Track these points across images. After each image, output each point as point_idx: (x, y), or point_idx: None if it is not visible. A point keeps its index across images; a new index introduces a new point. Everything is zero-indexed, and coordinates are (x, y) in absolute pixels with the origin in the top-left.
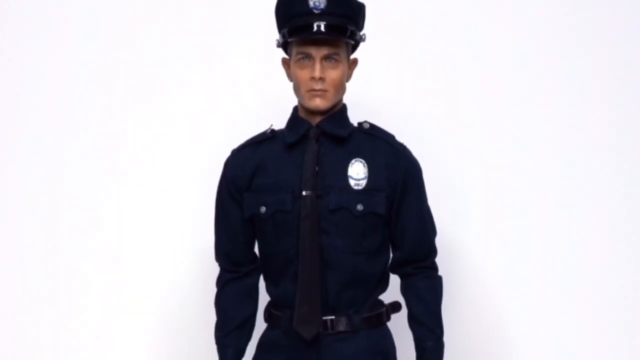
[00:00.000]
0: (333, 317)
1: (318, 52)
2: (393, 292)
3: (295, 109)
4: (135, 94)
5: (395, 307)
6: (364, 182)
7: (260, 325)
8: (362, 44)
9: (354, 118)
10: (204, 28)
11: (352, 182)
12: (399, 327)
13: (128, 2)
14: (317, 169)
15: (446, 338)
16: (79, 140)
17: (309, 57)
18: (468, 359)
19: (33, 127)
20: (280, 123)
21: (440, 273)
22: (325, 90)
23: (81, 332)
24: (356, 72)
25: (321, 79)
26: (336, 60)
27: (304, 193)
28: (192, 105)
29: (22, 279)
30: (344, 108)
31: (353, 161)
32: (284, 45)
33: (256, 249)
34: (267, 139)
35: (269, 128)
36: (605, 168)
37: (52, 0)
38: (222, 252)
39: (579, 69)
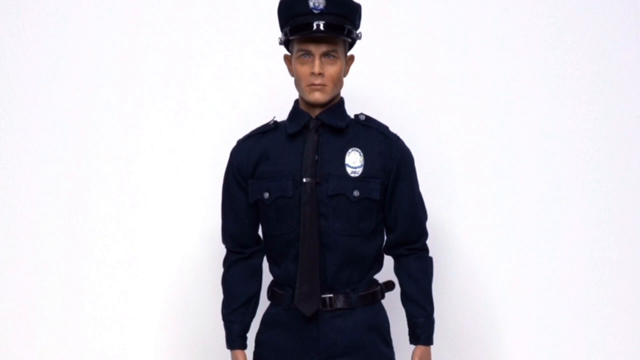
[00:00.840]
0: (331, 295)
1: (317, 49)
2: (387, 272)
3: (296, 102)
4: (152, 89)
5: (389, 285)
6: (360, 170)
7: (263, 303)
8: (358, 42)
9: (351, 110)
10: (214, 29)
11: (349, 170)
12: (393, 304)
13: (145, 2)
14: (316, 157)
15: (436, 315)
16: (99, 127)
17: (309, 53)
18: (457, 334)
19: (51, 112)
20: (282, 115)
21: (430, 254)
22: (324, 85)
23: (96, 309)
24: (353, 67)
25: (320, 74)
26: (334, 56)
27: (304, 180)
28: (202, 99)
29: (42, 254)
30: (341, 101)
31: (350, 150)
32: (286, 42)
33: (260, 232)
34: (270, 129)
35: (272, 120)
36: (591, 150)
37: (68, 2)
38: (229, 234)
39: (563, 61)
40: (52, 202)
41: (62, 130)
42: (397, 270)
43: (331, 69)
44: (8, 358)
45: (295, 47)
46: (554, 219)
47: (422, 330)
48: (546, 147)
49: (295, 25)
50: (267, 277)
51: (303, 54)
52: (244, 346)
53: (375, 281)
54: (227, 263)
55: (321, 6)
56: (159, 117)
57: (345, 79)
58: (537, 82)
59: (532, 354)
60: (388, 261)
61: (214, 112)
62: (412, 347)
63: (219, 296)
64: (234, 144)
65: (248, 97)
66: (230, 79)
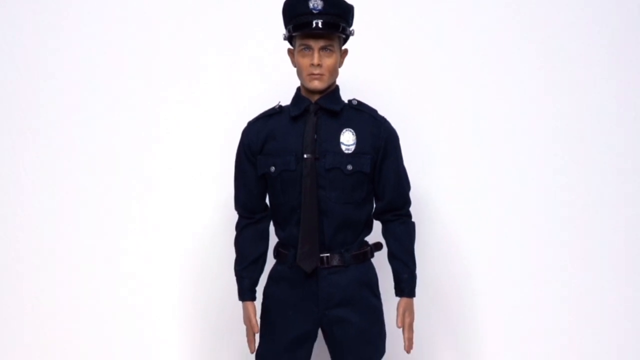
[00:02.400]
0: (328, 254)
1: (316, 44)
2: (376, 234)
3: (298, 89)
4: (177, 78)
5: (377, 246)
6: (353, 147)
7: (270, 261)
8: (351, 38)
9: (345, 96)
10: (229, 27)
11: (343, 147)
12: (381, 263)
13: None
14: (315, 136)
15: (418, 271)
16: (123, 111)
17: (309, 47)
18: (436, 288)
19: (75, 101)
20: (286, 100)
21: (413, 220)
22: (322, 74)
23: (122, 270)
24: (346, 59)
25: (319, 65)
26: (331, 50)
27: (305, 156)
28: (218, 86)
29: (76, 220)
30: (337, 88)
31: (344, 131)
32: (289, 38)
33: (267, 201)
34: (276, 113)
35: (277, 104)
36: (564, 125)
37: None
38: (240, 203)
39: (539, 45)
40: (81, 175)
41: (89, 107)
42: (385, 233)
43: (328, 61)
44: (46, 316)
45: (297, 42)
46: (520, 188)
47: (406, 284)
48: (519, 124)
49: (297, 23)
50: (273, 239)
51: (304, 48)
52: (253, 298)
53: (366, 242)
54: (239, 227)
55: (320, 7)
56: (181, 102)
57: (340, 69)
58: (510, 66)
59: (501, 305)
60: (377, 225)
61: (228, 97)
62: (397, 299)
63: (232, 255)
64: (244, 125)
65: (257, 85)
66: (241, 69)
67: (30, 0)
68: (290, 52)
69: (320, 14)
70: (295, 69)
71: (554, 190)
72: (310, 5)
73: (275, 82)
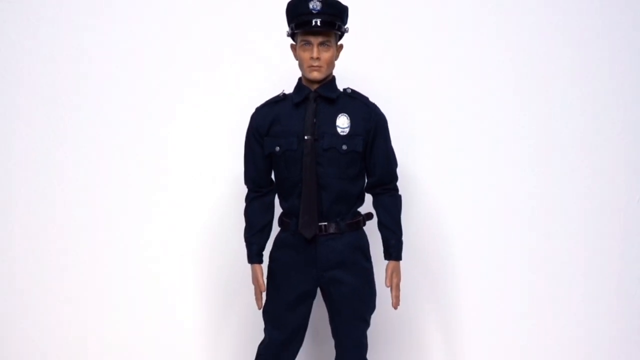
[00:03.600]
0: (326, 223)
1: (315, 40)
2: (367, 206)
3: (300, 79)
4: (194, 69)
5: (368, 216)
6: (347, 130)
7: (275, 230)
8: (346, 35)
9: (340, 85)
10: (239, 24)
11: (339, 130)
12: (372, 230)
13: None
14: (314, 120)
15: (404, 238)
16: (148, 99)
17: (309, 43)
18: (419, 252)
19: (102, 84)
20: (289, 89)
21: (400, 193)
22: (320, 66)
23: (148, 237)
24: (342, 53)
25: (318, 59)
26: (328, 45)
27: (305, 137)
28: (230, 76)
29: (107, 198)
30: (333, 78)
31: (340, 115)
32: (292, 35)
33: (272, 176)
34: (280, 100)
35: (282, 92)
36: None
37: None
38: (249, 178)
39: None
40: (113, 156)
41: (115, 92)
42: (375, 204)
43: (325, 55)
44: (72, 286)
45: (299, 38)
46: (496, 163)
47: (393, 249)
48: (497, 108)
49: (299, 22)
50: (277, 210)
51: (305, 43)
52: (260, 261)
53: (359, 213)
54: (248, 199)
55: (318, 7)
56: (198, 91)
57: (336, 62)
58: (489, 51)
59: (476, 265)
60: (368, 198)
61: (238, 86)
62: (386, 262)
63: (242, 224)
64: (253, 110)
65: (264, 75)
66: (250, 61)
67: (57, 6)
68: (292, 47)
69: (319, 14)
70: (297, 62)
71: (528, 164)
72: (310, 6)
73: (280, 73)
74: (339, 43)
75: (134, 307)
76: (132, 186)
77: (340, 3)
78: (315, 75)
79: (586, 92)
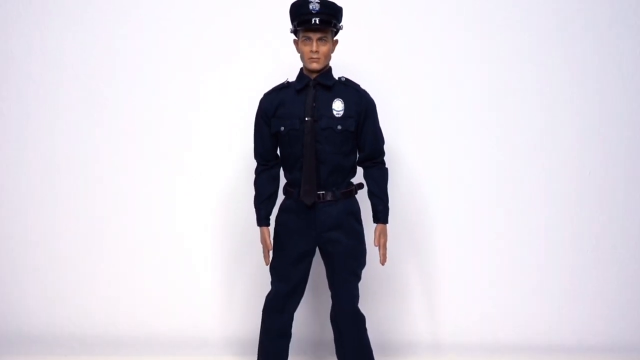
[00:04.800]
0: (323, 192)
1: (315, 36)
2: (359, 177)
3: (301, 69)
4: (213, 61)
5: (360, 186)
6: (341, 112)
7: (280, 198)
8: (341, 31)
9: (336, 74)
10: (250, 24)
11: (334, 112)
12: (363, 198)
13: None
14: (314, 104)
15: (390, 205)
16: (174, 86)
17: (309, 38)
18: (403, 216)
19: (135, 70)
20: (292, 78)
21: (386, 166)
22: (319, 58)
23: (174, 203)
24: (337, 47)
25: (316, 52)
26: (325, 40)
27: (306, 119)
28: (241, 66)
29: (141, 167)
30: (330, 68)
31: (335, 100)
32: (295, 32)
33: (278, 152)
34: (284, 87)
35: (286, 80)
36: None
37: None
38: (258, 153)
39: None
40: (145, 132)
41: (143, 78)
42: (365, 176)
43: (323, 48)
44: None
45: (300, 35)
46: (469, 139)
47: (381, 214)
48: (472, 93)
49: (300, 20)
50: (282, 181)
51: (305, 39)
52: (268, 224)
53: (352, 183)
54: (257, 172)
55: (317, 8)
56: (217, 78)
57: (332, 55)
58: (464, 39)
59: (452, 227)
60: (359, 170)
61: (249, 75)
62: (375, 225)
63: (252, 193)
64: (261, 96)
65: (271, 66)
66: (259, 54)
67: (84, 6)
68: (295, 42)
69: (317, 14)
70: (298, 55)
71: (496, 141)
72: (310, 7)
73: (284, 64)
74: (334, 38)
75: (160, 262)
76: (162, 159)
77: (336, 4)
78: (315, 65)
79: (543, 76)
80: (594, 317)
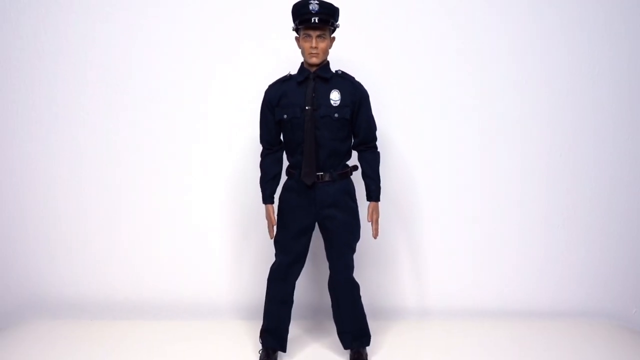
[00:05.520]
0: (322, 173)
1: (314, 33)
2: (354, 160)
3: (302, 64)
4: (223, 56)
5: (355, 168)
6: (338, 102)
7: (283, 178)
8: (337, 30)
9: (333, 67)
10: (257, 24)
11: (332, 102)
12: (357, 179)
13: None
14: (313, 95)
15: (382, 184)
16: (187, 77)
17: (309, 36)
18: (392, 194)
19: (157, 65)
20: (294, 71)
21: (378, 150)
22: (318, 53)
23: (190, 182)
24: (334, 44)
25: (316, 47)
26: (323, 37)
27: (306, 108)
28: (250, 61)
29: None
30: (327, 63)
31: (332, 91)
32: (296, 30)
33: (281, 137)
34: (287, 79)
35: (288, 73)
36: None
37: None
38: (263, 139)
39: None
40: (166, 117)
41: (161, 71)
42: (359, 159)
43: (322, 44)
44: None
45: (301, 32)
46: (452, 125)
47: (373, 193)
48: (456, 83)
49: (301, 20)
50: (285, 164)
51: (306, 36)
52: (272, 202)
53: (347, 165)
54: (262, 155)
55: (316, 9)
56: (228, 72)
57: (330, 51)
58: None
59: (436, 204)
60: (354, 154)
61: (257, 68)
62: (368, 202)
63: (258, 174)
64: (266, 87)
65: (275, 60)
66: (265, 50)
67: (107, 8)
68: (296, 39)
69: (317, 14)
70: (299, 50)
71: (477, 124)
72: (310, 7)
73: (287, 58)
74: (332, 36)
75: (176, 236)
76: (178, 144)
77: (333, 5)
78: (314, 60)
79: (519, 70)
80: (564, 285)
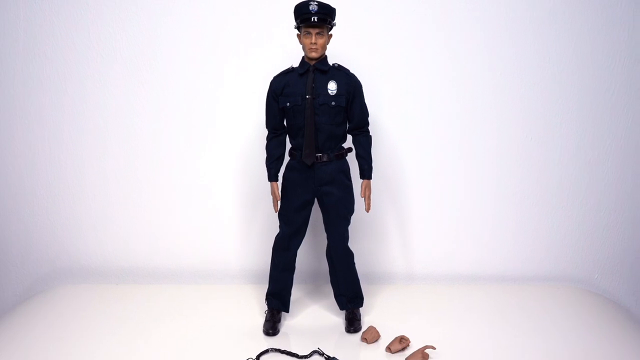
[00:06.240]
0: (320, 154)
1: (314, 30)
2: (349, 143)
3: (303, 57)
4: (235, 50)
5: (349, 150)
6: (335, 91)
7: (286, 160)
8: (334, 28)
9: (330, 61)
10: (264, 22)
11: (329, 91)
12: (352, 160)
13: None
14: (313, 85)
15: (373, 164)
16: (203, 69)
17: (309, 33)
18: (382, 173)
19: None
20: (296, 64)
21: (370, 134)
22: (317, 48)
23: (202, 159)
24: (332, 40)
25: (315, 43)
26: (322, 34)
27: (307, 96)
28: (258, 55)
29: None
30: (326, 57)
31: (330, 81)
32: (298, 27)
33: (284, 123)
34: (290, 71)
35: (291, 66)
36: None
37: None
38: (269, 124)
39: None
40: (189, 95)
41: (182, 63)
42: (354, 141)
43: (320, 40)
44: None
45: (302, 30)
46: (433, 112)
47: (366, 172)
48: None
49: (302, 18)
50: (288, 146)
51: (306, 33)
52: (276, 180)
53: (343, 147)
54: (268, 138)
55: (316, 9)
56: (239, 64)
57: (327, 46)
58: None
59: (423, 179)
60: (349, 138)
61: (262, 61)
62: (361, 180)
63: (264, 155)
64: (271, 78)
65: (280, 54)
66: (271, 46)
67: (131, 8)
68: (298, 36)
69: (316, 13)
70: (301, 46)
71: (457, 111)
72: (310, 8)
73: (290, 53)
74: (329, 33)
75: (192, 209)
76: (193, 127)
77: (330, 6)
78: (313, 54)
79: (493, 61)
80: (534, 254)
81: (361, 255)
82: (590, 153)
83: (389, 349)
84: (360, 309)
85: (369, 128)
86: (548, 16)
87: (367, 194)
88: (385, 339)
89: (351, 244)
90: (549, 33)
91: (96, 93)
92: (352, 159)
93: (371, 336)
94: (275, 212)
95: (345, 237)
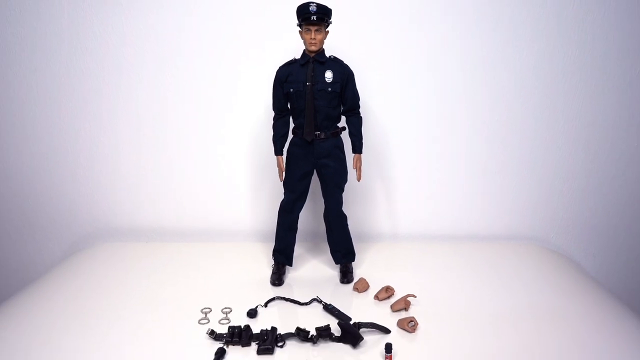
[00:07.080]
0: (319, 132)
1: (313, 28)
2: (343, 122)
3: (304, 51)
4: (248, 46)
5: (343, 129)
6: (331, 79)
7: (289, 137)
8: (330, 25)
9: (327, 53)
10: (272, 22)
11: (326, 79)
12: (345, 137)
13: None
14: (312, 74)
15: (364, 141)
16: (220, 62)
17: (309, 30)
18: (372, 148)
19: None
20: (298, 56)
21: (361, 115)
22: (315, 43)
23: (219, 135)
24: (328, 36)
25: (314, 39)
26: (320, 31)
27: (307, 84)
28: (267, 49)
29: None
30: (323, 50)
31: (327, 71)
32: (299, 25)
33: (288, 105)
34: (292, 62)
35: (293, 58)
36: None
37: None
38: (275, 106)
39: None
40: (207, 81)
41: (202, 59)
42: (347, 121)
43: (319, 36)
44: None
45: (303, 27)
46: (417, 96)
47: (357, 147)
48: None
49: (303, 17)
50: (291, 125)
51: (306, 30)
52: (281, 154)
53: (338, 126)
54: (274, 119)
55: (315, 9)
56: (252, 57)
57: (325, 41)
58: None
59: (409, 153)
60: (343, 118)
61: (271, 54)
62: (353, 154)
63: (271, 133)
64: (276, 68)
65: (284, 48)
66: (278, 40)
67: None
68: (300, 32)
69: (315, 13)
70: (302, 41)
71: (435, 89)
72: (310, 8)
73: (294, 46)
74: (326, 30)
75: (211, 177)
76: (215, 108)
77: (327, 7)
78: (313, 48)
79: (466, 50)
80: (500, 215)
81: (353, 217)
82: (547, 132)
83: (376, 297)
84: (353, 263)
85: (360, 110)
86: (512, 10)
87: (358, 166)
88: (374, 289)
89: (345, 208)
90: (515, 31)
91: (130, 81)
92: (345, 136)
93: (362, 286)
94: (281, 181)
95: (340, 202)
